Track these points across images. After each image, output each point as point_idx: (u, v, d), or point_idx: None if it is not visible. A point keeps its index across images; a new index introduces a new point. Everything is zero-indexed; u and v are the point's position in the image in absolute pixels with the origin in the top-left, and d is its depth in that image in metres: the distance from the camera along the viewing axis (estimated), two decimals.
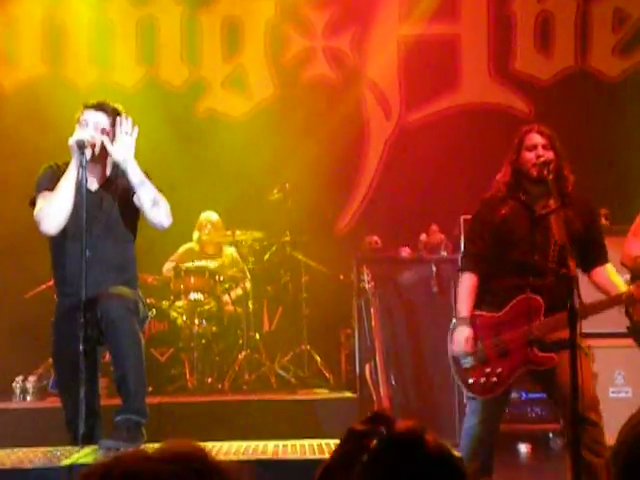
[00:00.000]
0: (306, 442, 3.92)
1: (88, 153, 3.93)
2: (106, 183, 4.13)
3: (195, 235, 7.32)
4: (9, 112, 7.73)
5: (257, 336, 6.89)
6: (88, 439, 3.80)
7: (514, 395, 5.82)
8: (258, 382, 6.72)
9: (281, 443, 3.90)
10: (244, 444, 3.91)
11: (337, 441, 1.32)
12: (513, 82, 7.98)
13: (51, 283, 4.63)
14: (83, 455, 3.64)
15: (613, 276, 4.16)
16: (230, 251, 7.31)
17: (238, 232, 7.01)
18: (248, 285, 6.99)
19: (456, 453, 1.33)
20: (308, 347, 6.82)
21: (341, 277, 7.02)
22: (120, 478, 1.14)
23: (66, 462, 3.51)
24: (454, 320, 4.21)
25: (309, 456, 3.61)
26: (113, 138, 4.00)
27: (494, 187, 4.22)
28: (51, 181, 4.02)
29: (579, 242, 4.03)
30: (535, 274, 4.04)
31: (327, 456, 1.31)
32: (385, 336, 6.25)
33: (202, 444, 1.27)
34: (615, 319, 4.83)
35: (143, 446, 3.82)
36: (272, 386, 6.62)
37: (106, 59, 7.99)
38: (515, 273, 4.08)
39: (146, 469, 1.15)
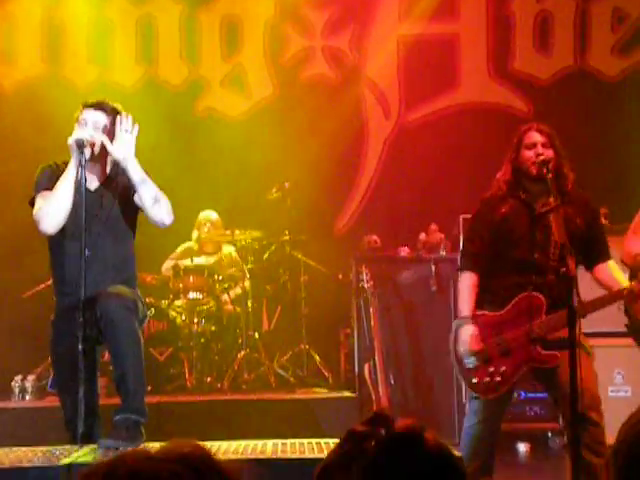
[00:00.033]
0: (305, 441, 3.91)
1: (87, 152, 3.93)
2: (106, 182, 4.13)
3: (194, 234, 7.32)
4: (8, 111, 7.73)
5: (256, 335, 6.89)
6: (87, 438, 3.79)
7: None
8: (257, 381, 6.72)
9: (280, 442, 3.90)
10: (243, 443, 3.91)
11: (336, 440, 1.32)
12: (512, 81, 7.98)
13: (49, 282, 4.63)
14: (82, 454, 3.64)
15: (616, 272, 4.16)
16: (229, 250, 7.31)
17: (237, 231, 7.01)
18: (247, 284, 6.99)
19: (456, 452, 1.33)
20: (307, 346, 6.82)
21: (340, 276, 7.01)
22: (123, 477, 1.14)
23: (65, 461, 3.51)
24: (457, 320, 4.20)
25: (308, 455, 3.61)
26: (112, 137, 4.00)
27: (494, 185, 4.23)
28: (50, 180, 4.02)
29: (580, 239, 4.03)
30: (537, 272, 4.04)
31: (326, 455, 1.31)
32: (384, 335, 6.25)
33: (203, 444, 1.27)
34: (614, 318, 4.82)
35: (143, 445, 3.82)
36: (271, 385, 6.62)
37: (105, 58, 7.99)
38: (516, 271, 4.08)
39: (148, 468, 1.15)
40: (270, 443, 3.88)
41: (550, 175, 4.00)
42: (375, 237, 7.00)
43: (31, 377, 6.52)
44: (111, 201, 4.09)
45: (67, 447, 3.79)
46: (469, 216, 4.54)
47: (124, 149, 3.96)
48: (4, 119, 7.71)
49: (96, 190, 4.09)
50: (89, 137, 3.95)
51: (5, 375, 6.62)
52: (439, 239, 6.76)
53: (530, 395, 6.21)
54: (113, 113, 4.05)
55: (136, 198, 4.00)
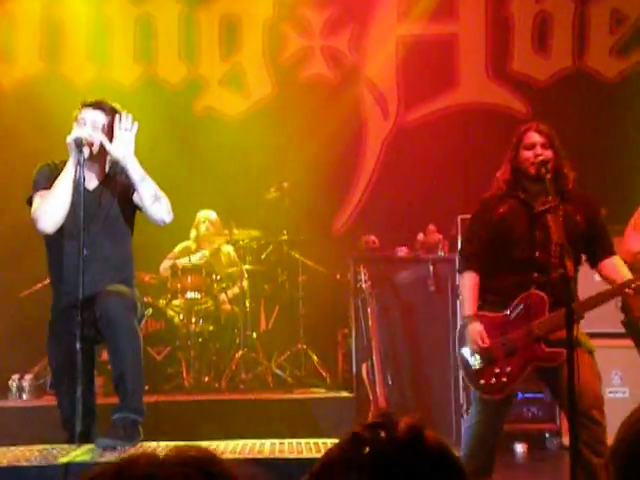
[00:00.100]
0: (303, 441, 3.91)
1: (86, 151, 3.92)
2: (104, 181, 4.12)
3: (192, 233, 7.32)
4: (7, 110, 7.72)
5: (254, 335, 6.89)
6: (85, 437, 3.80)
7: None
8: (255, 381, 6.72)
9: (278, 442, 3.90)
10: (240, 443, 3.90)
11: (334, 440, 1.31)
12: (511, 82, 7.98)
13: (47, 282, 4.62)
14: (80, 453, 3.64)
15: (621, 267, 4.14)
16: (227, 250, 7.30)
17: (235, 231, 7.01)
18: (245, 284, 6.99)
19: (455, 452, 1.32)
20: (305, 346, 6.82)
21: (338, 276, 7.01)
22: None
23: (63, 460, 3.51)
24: (462, 321, 4.20)
25: (306, 455, 3.61)
26: (111, 137, 3.99)
27: (494, 185, 4.23)
28: (48, 179, 4.01)
29: (581, 237, 4.03)
30: (539, 270, 4.04)
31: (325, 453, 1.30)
32: (382, 336, 6.25)
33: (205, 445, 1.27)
34: (612, 319, 4.83)
35: (140, 444, 3.82)
36: (269, 385, 6.62)
37: (104, 57, 7.99)
38: (517, 271, 4.07)
39: (156, 472, 1.15)
40: (268, 443, 3.88)
41: (549, 175, 4.00)
42: (373, 237, 7.00)
43: (28, 376, 6.52)
44: (110, 200, 4.09)
45: (65, 446, 3.79)
46: (467, 216, 4.55)
47: (123, 147, 3.96)
48: (3, 117, 7.71)
49: (95, 189, 4.08)
50: (88, 136, 3.95)
51: (2, 374, 6.61)
52: (437, 239, 6.76)
53: (528, 396, 6.21)
54: (112, 113, 4.05)
55: (136, 197, 4.00)
